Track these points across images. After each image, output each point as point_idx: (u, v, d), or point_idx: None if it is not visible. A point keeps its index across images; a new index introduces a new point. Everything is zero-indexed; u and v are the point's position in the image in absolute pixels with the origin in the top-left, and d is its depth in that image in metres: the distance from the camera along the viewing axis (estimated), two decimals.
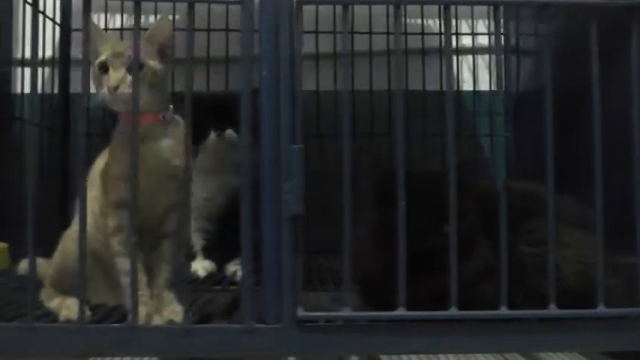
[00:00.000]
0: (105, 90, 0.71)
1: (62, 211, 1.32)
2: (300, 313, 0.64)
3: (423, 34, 1.50)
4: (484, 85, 1.52)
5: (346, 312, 0.65)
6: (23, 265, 0.92)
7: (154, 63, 0.73)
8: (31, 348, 0.64)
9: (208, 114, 1.03)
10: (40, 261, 0.77)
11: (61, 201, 1.37)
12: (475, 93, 1.51)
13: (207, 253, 1.10)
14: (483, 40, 1.54)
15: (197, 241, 1.11)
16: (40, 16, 1.41)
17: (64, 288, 0.76)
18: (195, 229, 1.11)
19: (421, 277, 0.64)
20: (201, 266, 1.07)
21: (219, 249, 1.09)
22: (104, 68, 0.72)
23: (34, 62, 0.70)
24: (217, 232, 1.11)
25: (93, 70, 0.72)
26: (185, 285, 0.68)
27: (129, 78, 0.70)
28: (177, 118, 0.77)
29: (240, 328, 0.64)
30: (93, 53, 0.72)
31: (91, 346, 0.64)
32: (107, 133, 0.80)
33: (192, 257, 1.09)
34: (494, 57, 1.20)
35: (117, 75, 0.71)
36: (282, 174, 0.65)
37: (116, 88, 0.70)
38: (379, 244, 0.71)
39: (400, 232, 0.63)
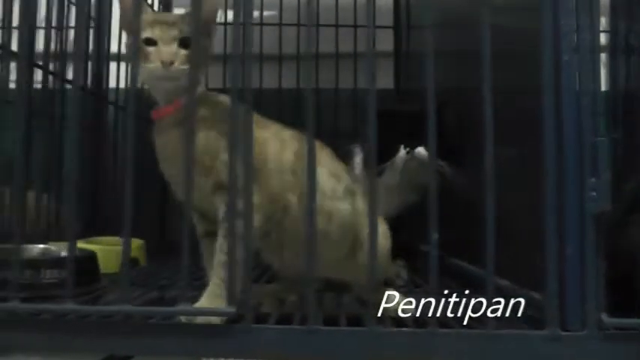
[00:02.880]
0: (157, 64, 0.65)
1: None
2: (606, 319, 0.60)
3: None
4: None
5: None
6: None
7: (199, 40, 0.66)
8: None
9: (399, 129, 0.99)
10: None
11: None
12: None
13: None
14: None
15: None
16: None
17: None
18: None
19: None
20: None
21: None
22: (151, 42, 0.66)
23: None
24: None
25: (131, 43, 0.66)
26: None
27: (182, 52, 0.65)
28: (214, 95, 0.71)
29: (543, 335, 0.59)
30: (131, 24, 0.66)
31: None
32: None
33: None
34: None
35: (169, 49, 0.65)
36: (585, 170, 0.60)
37: (171, 63, 0.65)
38: None
39: None
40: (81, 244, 0.99)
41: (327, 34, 1.49)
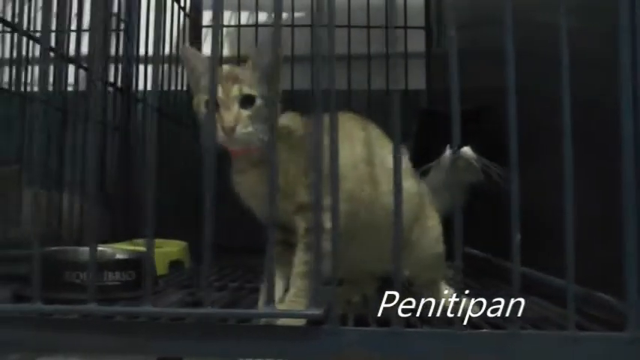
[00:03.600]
0: (219, 130, 0.61)
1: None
2: None
3: None
4: None
5: None
6: None
7: (263, 92, 0.63)
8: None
9: (446, 129, 0.99)
10: None
11: None
12: None
13: None
14: None
15: None
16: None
17: None
18: None
19: None
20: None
21: None
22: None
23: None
24: None
25: (199, 104, 0.64)
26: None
27: (244, 114, 0.62)
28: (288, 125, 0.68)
29: (625, 337, 0.58)
30: (195, 84, 0.66)
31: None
32: None
33: None
34: None
35: (229, 114, 0.62)
36: None
37: (233, 129, 0.61)
38: None
39: None
40: (122, 247, 0.98)
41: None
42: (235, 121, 0.62)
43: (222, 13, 1.53)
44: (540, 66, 0.74)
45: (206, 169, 0.56)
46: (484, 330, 0.59)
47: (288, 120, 0.69)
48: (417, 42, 1.55)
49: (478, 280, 0.98)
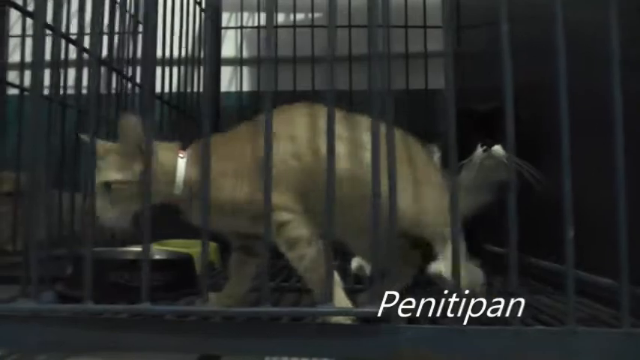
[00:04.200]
0: None
1: None
2: None
3: None
4: None
5: None
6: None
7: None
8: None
9: (477, 127, 0.99)
10: None
11: None
12: None
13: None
14: None
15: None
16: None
17: None
18: None
19: None
20: (445, 267, 1.03)
21: None
22: None
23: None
24: None
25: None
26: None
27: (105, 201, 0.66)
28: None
29: None
30: None
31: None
32: None
33: (432, 258, 1.05)
34: None
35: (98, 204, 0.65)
36: None
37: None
38: None
39: None
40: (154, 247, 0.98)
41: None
42: (102, 211, 0.65)
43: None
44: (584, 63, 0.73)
45: None
46: (541, 327, 0.59)
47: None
48: (436, 41, 1.54)
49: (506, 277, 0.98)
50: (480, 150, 1.01)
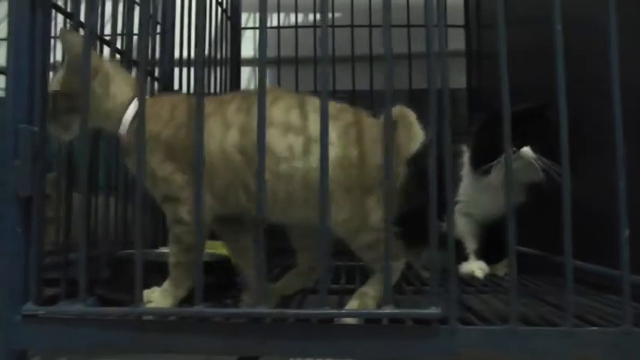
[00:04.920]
0: None
1: None
2: None
3: None
4: None
5: None
6: None
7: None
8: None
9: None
10: None
11: None
12: None
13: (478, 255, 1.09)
14: None
15: (470, 245, 1.09)
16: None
17: None
18: (471, 234, 1.10)
19: None
20: (477, 267, 1.05)
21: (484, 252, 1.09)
22: None
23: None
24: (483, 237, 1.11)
25: None
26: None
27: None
28: None
29: None
30: None
31: None
32: None
33: (464, 258, 1.08)
34: None
35: None
36: None
37: None
38: None
39: None
40: None
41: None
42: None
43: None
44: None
45: None
46: (594, 328, 0.58)
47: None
48: (456, 40, 1.54)
49: (537, 277, 0.99)
50: None
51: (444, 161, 0.59)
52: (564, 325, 0.56)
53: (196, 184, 0.60)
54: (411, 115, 0.71)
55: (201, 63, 0.63)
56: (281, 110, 0.65)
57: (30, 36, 0.66)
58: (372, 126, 0.67)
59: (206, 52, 1.33)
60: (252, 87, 1.60)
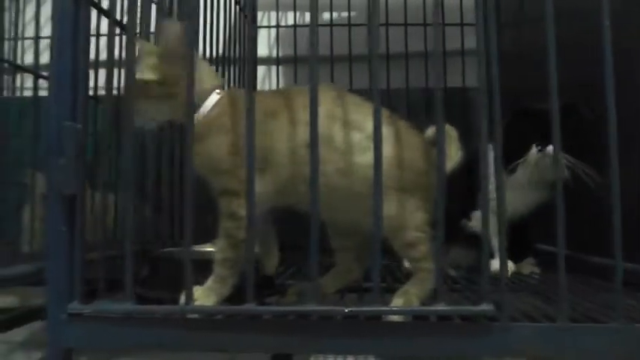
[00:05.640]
0: None
1: None
2: None
3: None
4: None
5: None
6: None
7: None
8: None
9: (533, 127, 1.00)
10: None
11: None
12: None
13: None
14: None
15: (496, 243, 1.07)
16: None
17: None
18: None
19: None
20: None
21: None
22: None
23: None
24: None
25: None
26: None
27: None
28: None
29: None
30: None
31: None
32: None
33: (490, 256, 1.06)
34: None
35: None
36: None
37: None
38: None
39: None
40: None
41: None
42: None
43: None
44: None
45: None
46: None
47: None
48: (473, 39, 1.54)
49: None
50: (534, 149, 1.02)
51: (479, 162, 0.60)
52: (614, 323, 0.57)
53: (249, 181, 0.60)
54: (453, 133, 0.73)
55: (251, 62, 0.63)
56: (345, 107, 0.68)
57: (73, 34, 0.66)
58: (413, 134, 0.71)
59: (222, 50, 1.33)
60: (266, 86, 1.60)
